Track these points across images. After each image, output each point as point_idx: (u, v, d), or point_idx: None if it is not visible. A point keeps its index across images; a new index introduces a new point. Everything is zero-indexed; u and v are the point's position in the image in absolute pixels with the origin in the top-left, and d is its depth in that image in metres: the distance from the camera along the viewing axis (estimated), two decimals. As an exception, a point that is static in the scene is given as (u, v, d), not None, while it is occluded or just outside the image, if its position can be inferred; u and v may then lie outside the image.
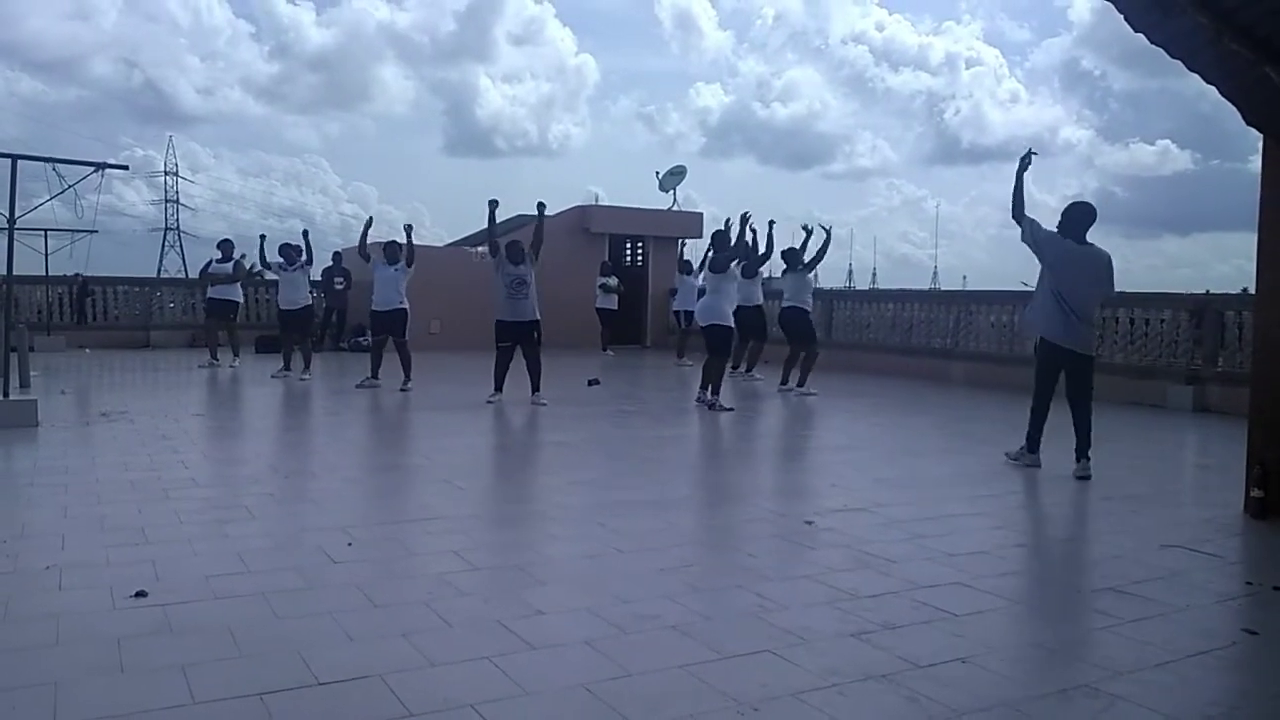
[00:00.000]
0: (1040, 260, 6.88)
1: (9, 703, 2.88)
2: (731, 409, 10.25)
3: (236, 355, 14.56)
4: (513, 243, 10.80)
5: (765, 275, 15.06)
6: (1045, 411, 7.02)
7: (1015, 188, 6.95)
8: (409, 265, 11.82)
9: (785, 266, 12.56)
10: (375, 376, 11.76)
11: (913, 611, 3.89)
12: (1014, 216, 6.96)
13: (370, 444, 8.89)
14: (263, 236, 13.94)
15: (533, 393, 10.47)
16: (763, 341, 13.63)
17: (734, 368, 12.77)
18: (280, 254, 13.59)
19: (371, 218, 12.22)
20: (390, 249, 12.03)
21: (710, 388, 10.36)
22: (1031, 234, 6.87)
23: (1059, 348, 6.85)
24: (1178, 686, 3.22)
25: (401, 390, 11.32)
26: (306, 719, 2.84)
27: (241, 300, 15.44)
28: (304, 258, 13.65)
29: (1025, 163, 6.93)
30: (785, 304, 12.44)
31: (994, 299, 14.33)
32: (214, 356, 14.32)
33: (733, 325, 10.63)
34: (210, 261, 15.01)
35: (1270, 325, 5.78)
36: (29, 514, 5.34)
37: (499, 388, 10.53)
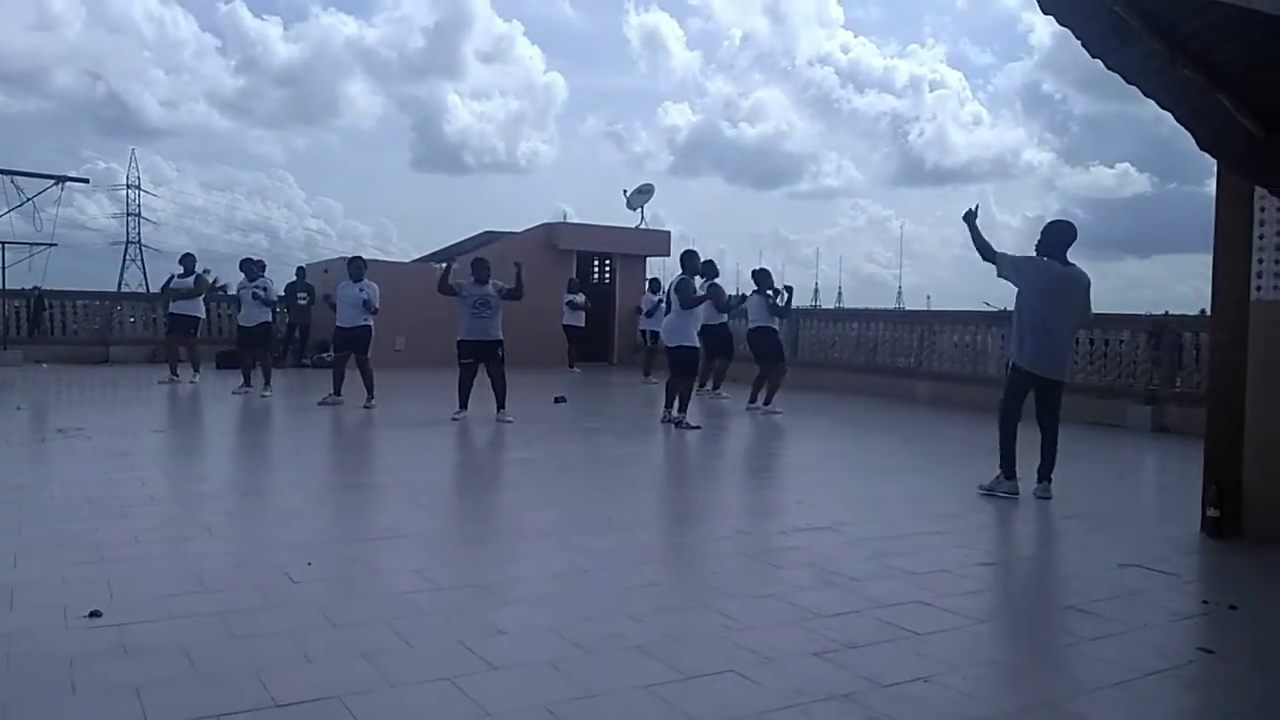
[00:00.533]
0: (1020, 290, 6.76)
1: (-45, 726, 2.82)
2: (698, 427, 10.26)
3: (197, 371, 14.36)
4: (478, 260, 10.76)
5: (732, 293, 15.10)
6: (1015, 436, 6.91)
7: (974, 239, 6.86)
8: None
9: (754, 287, 12.58)
10: (338, 393, 11.65)
11: (876, 630, 3.90)
12: (986, 260, 6.83)
13: (332, 461, 8.81)
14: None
15: (498, 410, 10.43)
16: (729, 360, 13.66)
17: (700, 386, 12.78)
18: (241, 269, 13.47)
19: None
20: (355, 265, 11.94)
21: (676, 405, 10.36)
22: (1012, 267, 6.74)
23: (1035, 375, 6.79)
24: (1135, 704, 3.25)
25: (365, 408, 11.23)
26: (263, 742, 2.79)
27: (203, 316, 15.24)
28: (265, 275, 13.55)
29: (972, 215, 6.85)
30: (752, 324, 12.47)
31: (957, 319, 14.48)
32: (174, 372, 14.12)
33: (698, 346, 10.64)
34: (172, 276, 14.83)
35: (1225, 346, 5.88)
36: (-19, 532, 5.23)
37: (464, 405, 10.47)
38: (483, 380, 10.59)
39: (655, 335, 15.52)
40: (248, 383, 12.89)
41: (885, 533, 5.69)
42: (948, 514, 6.33)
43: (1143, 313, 12.59)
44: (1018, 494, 6.75)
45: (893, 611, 4.14)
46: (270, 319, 13.61)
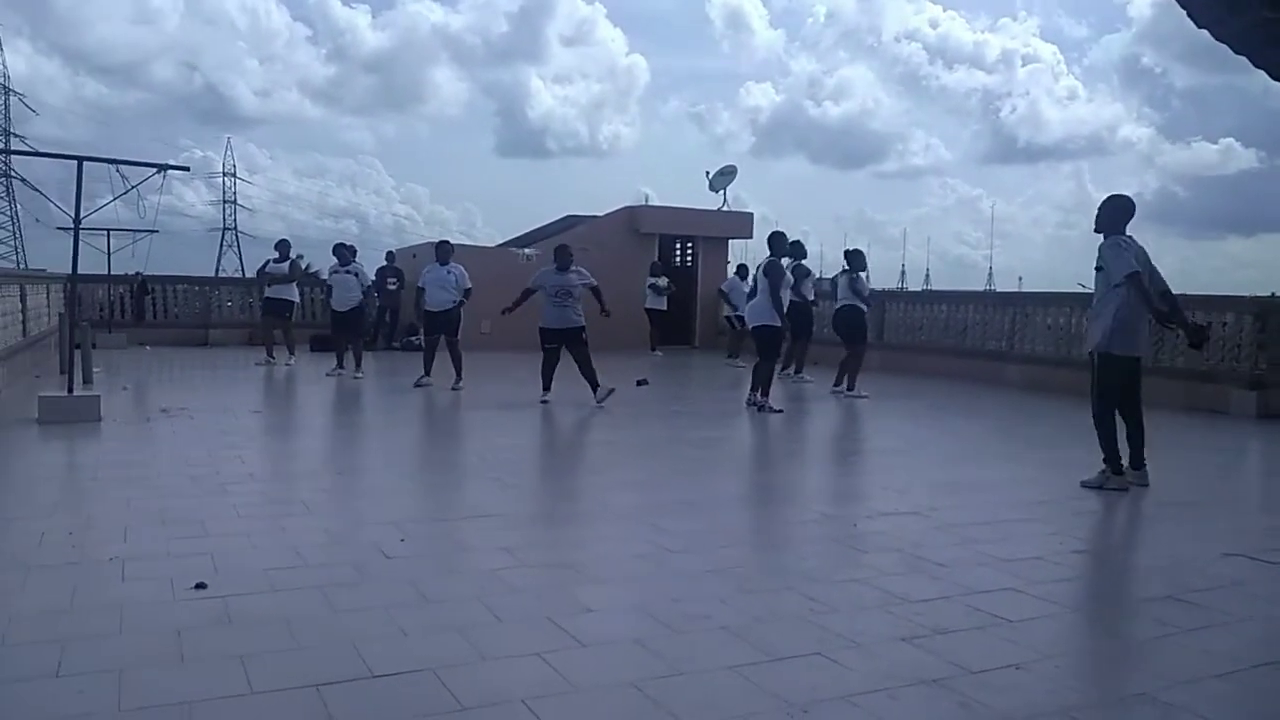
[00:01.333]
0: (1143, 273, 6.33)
1: (77, 687, 2.97)
2: (780, 411, 10.19)
3: (291, 354, 14.76)
4: (561, 247, 10.80)
5: (817, 275, 14.91)
6: (1115, 426, 6.55)
7: (1151, 304, 6.38)
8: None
9: (845, 266, 12.31)
10: (428, 374, 11.88)
11: (965, 617, 3.85)
12: (1138, 276, 6.26)
13: (422, 441, 8.99)
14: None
15: (594, 393, 10.36)
16: (808, 340, 13.43)
17: (783, 369, 12.66)
18: (334, 254, 13.79)
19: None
20: (442, 249, 12.14)
21: (760, 390, 10.32)
22: (1133, 259, 6.27)
23: (1130, 358, 6.47)
24: (1240, 696, 3.15)
25: (453, 389, 11.42)
26: (361, 711, 2.88)
27: (297, 300, 15.61)
28: (356, 260, 13.83)
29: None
30: (841, 303, 12.24)
31: (1051, 301, 14.10)
32: (270, 355, 14.54)
33: (780, 325, 10.43)
34: (267, 261, 15.24)
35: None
36: (93, 507, 5.49)
37: (547, 388, 10.58)
38: (568, 365, 10.65)
39: (742, 319, 15.45)
40: (341, 365, 13.21)
41: (974, 518, 5.59)
42: (1039, 500, 6.19)
43: (1247, 294, 12.09)
44: (1129, 488, 6.45)
45: (983, 598, 4.08)
46: (362, 303, 13.90)
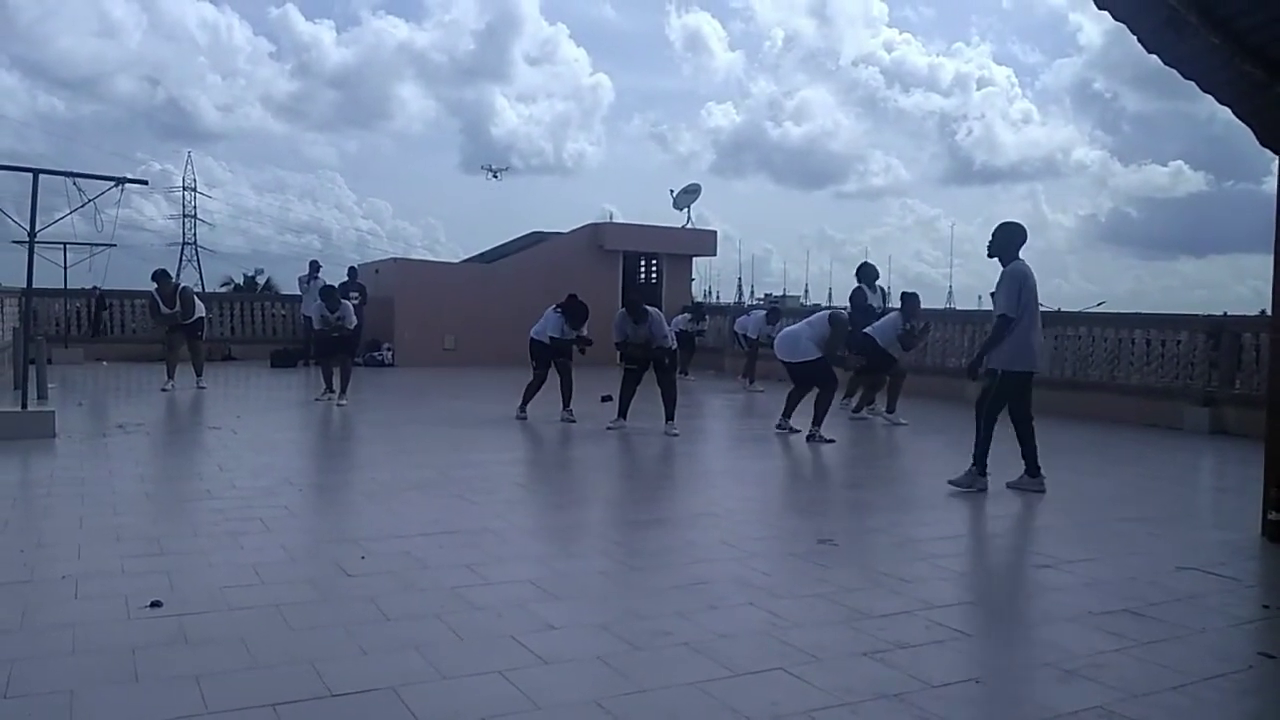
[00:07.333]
0: (1023, 303, 6.75)
1: (26, 710, 2.91)
2: (833, 440, 9.65)
3: (199, 375, 13.68)
4: (631, 302, 10.43)
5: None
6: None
7: (989, 349, 7.08)
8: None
9: (899, 306, 11.89)
10: (524, 410, 10.94)
11: (926, 631, 3.88)
12: (1007, 320, 6.77)
13: (385, 458, 8.89)
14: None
15: (666, 421, 9.94)
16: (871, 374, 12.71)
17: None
18: (321, 298, 12.63)
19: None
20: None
21: (812, 418, 9.79)
22: (1019, 298, 6.72)
23: (1027, 373, 6.94)
24: (1193, 709, 3.20)
25: (564, 421, 10.59)
26: (319, 730, 2.85)
27: (205, 315, 14.33)
28: (343, 303, 12.75)
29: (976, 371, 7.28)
30: (872, 332, 11.54)
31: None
32: (170, 376, 13.30)
33: (817, 357, 9.76)
34: (153, 294, 13.82)
35: (1287, 347, 5.75)
36: (46, 524, 5.39)
37: (623, 414, 10.20)
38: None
39: (749, 340, 15.43)
40: (329, 388, 12.42)
41: (935, 534, 5.64)
42: (999, 515, 6.27)
43: (1199, 313, 12.33)
44: (988, 489, 6.86)
45: (943, 612, 4.12)
46: (355, 323, 12.80)
